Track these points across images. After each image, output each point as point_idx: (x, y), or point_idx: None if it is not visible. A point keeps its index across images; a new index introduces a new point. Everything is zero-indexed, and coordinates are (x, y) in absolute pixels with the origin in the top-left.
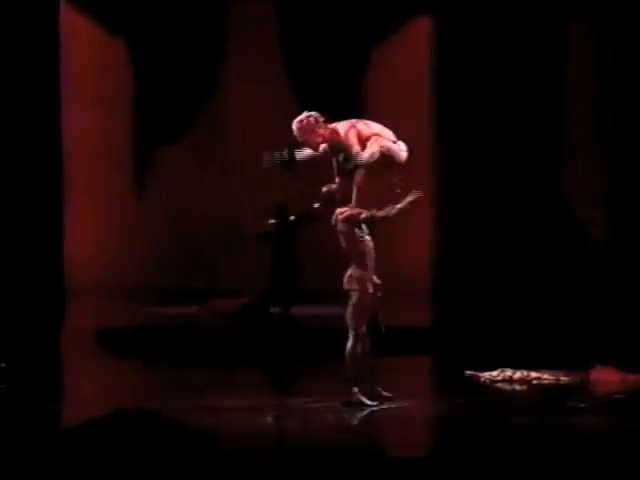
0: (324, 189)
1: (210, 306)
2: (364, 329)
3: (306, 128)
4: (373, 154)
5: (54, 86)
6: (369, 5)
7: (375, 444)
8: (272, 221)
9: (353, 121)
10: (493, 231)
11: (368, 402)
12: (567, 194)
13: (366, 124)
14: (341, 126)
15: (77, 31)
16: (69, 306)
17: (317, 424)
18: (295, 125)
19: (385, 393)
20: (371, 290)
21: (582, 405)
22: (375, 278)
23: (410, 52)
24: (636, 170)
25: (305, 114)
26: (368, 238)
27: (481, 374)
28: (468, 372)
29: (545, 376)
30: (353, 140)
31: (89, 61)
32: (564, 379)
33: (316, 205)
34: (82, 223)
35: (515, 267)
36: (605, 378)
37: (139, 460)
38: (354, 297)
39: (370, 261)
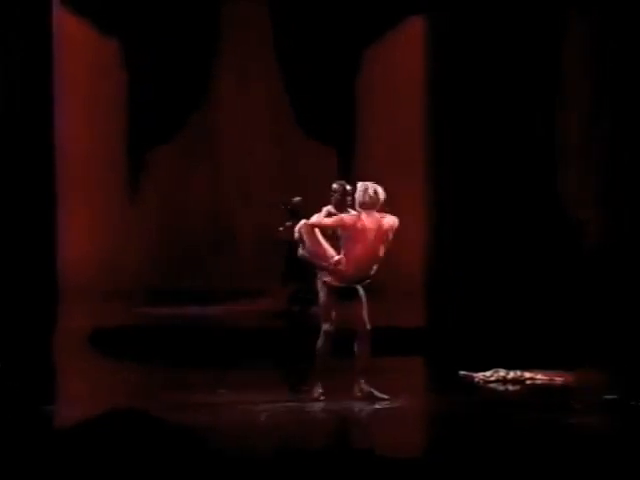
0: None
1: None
2: (325, 327)
3: None
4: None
5: (47, 87)
6: (363, 4)
7: (368, 444)
8: (289, 224)
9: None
10: (488, 231)
11: (318, 397)
12: (562, 194)
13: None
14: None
15: (70, 32)
16: (64, 307)
17: (311, 423)
18: None
19: (379, 394)
20: (324, 292)
21: (576, 405)
22: (330, 279)
23: (404, 51)
24: (631, 171)
25: None
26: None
27: (475, 374)
28: (462, 372)
29: (538, 376)
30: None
31: (82, 62)
32: (557, 379)
33: (297, 199)
34: (76, 224)
35: (509, 267)
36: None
37: (134, 460)
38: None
39: (329, 262)
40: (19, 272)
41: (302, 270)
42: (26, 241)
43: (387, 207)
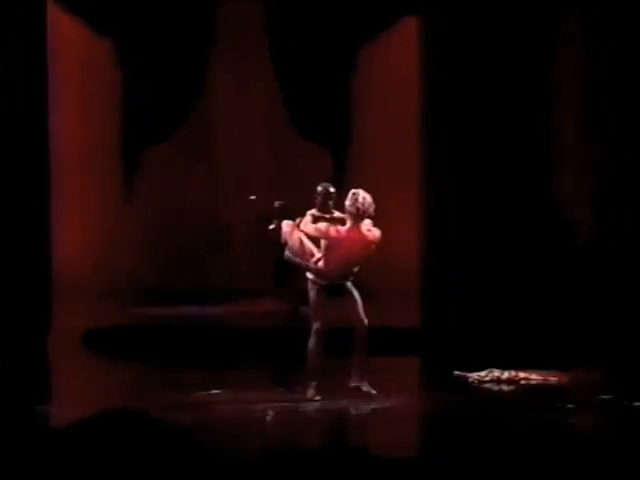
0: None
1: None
2: (316, 325)
3: None
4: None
5: (42, 86)
6: (358, 5)
7: (362, 443)
8: (277, 223)
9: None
10: (483, 231)
11: (312, 397)
12: (558, 195)
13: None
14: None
15: (64, 31)
16: (58, 306)
17: (306, 423)
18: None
19: (368, 389)
20: (313, 291)
21: (570, 405)
22: (314, 278)
23: (398, 52)
24: (628, 171)
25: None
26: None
27: (469, 374)
28: (456, 372)
29: (533, 376)
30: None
31: (76, 61)
32: (552, 379)
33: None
34: (71, 223)
35: (504, 267)
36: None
37: (129, 460)
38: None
39: (311, 261)
40: (13, 271)
41: (293, 270)
42: (21, 240)
43: (375, 215)
